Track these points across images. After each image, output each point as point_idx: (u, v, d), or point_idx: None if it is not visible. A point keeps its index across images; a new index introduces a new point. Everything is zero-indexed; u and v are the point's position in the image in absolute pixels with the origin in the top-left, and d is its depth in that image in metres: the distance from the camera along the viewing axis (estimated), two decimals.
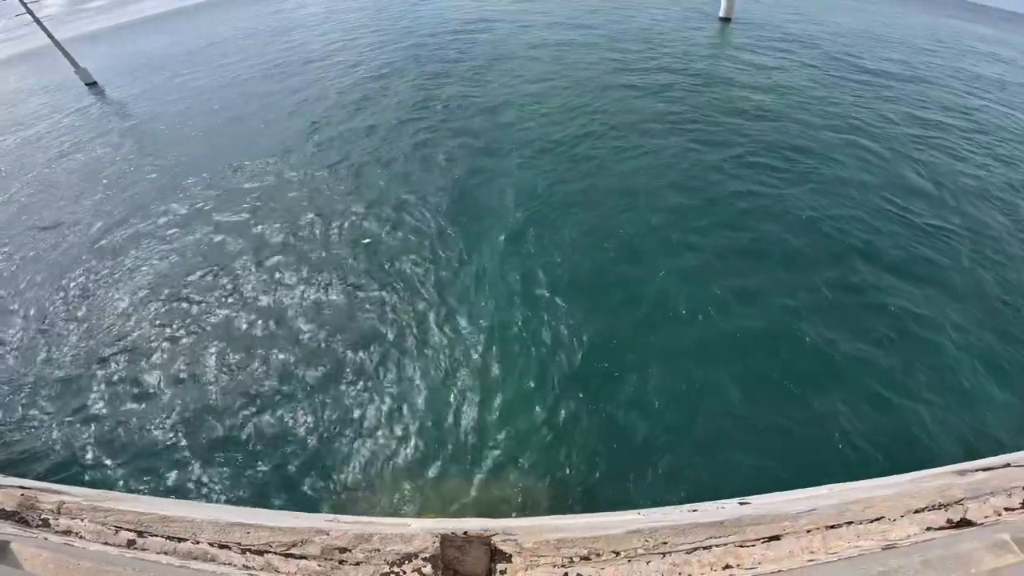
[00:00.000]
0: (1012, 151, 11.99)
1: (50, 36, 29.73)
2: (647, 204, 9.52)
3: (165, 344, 7.80)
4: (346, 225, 9.85)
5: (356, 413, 6.36)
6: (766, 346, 6.71)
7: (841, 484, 2.49)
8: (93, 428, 6.67)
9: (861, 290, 7.54)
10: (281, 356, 7.28)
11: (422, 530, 1.75)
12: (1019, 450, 2.61)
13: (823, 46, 21.70)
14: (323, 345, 7.37)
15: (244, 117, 17.19)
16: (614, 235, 8.81)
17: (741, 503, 2.26)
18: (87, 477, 6.04)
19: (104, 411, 6.89)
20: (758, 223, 8.84)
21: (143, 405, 6.89)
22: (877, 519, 1.97)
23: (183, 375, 7.26)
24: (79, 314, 8.65)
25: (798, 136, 12.13)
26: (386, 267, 8.63)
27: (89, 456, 6.33)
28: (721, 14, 26.88)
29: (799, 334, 6.82)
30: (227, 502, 5.48)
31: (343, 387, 6.72)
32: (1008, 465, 2.49)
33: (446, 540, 1.71)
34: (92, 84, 29.75)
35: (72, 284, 9.46)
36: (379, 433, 6.09)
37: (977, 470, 2.46)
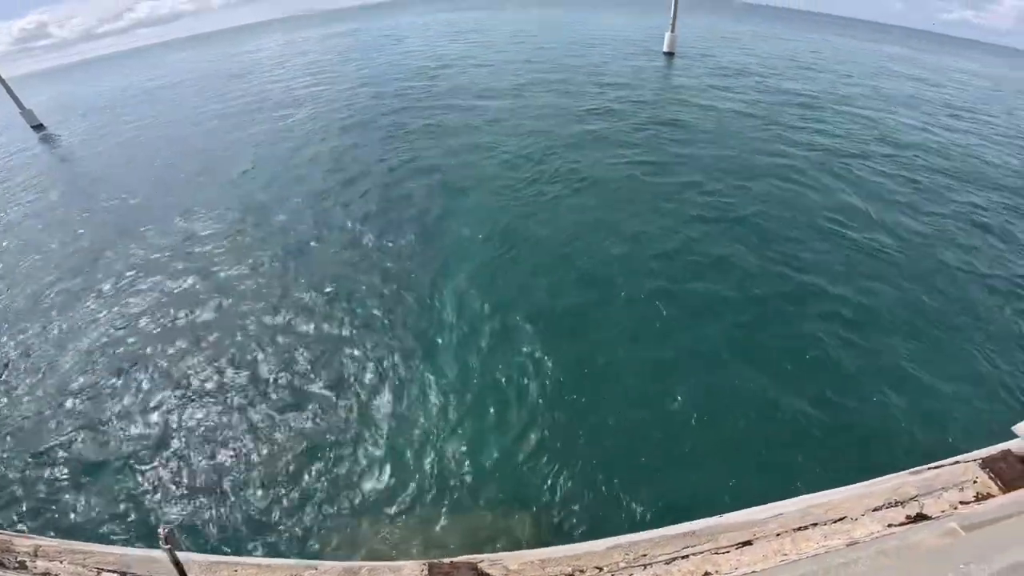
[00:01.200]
0: (928, 178, 12.95)
1: None
2: (605, 240, 9.79)
3: (124, 400, 7.46)
4: (306, 273, 9.68)
5: (330, 461, 6.20)
6: (726, 374, 6.91)
7: (807, 496, 2.63)
8: (55, 486, 6.27)
9: (803, 302, 7.90)
10: (249, 406, 7.07)
11: (410, 561, 1.77)
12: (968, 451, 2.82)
13: (756, 75, 23.40)
14: (293, 393, 7.20)
15: (195, 165, 16.69)
16: (576, 267, 9.02)
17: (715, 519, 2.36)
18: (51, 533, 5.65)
19: (66, 468, 6.50)
20: (707, 259, 9.12)
21: (107, 461, 6.54)
22: (840, 519, 2.09)
23: (146, 431, 6.94)
24: (18, 379, 8.19)
25: (741, 169, 12.78)
26: (350, 312, 8.51)
27: (54, 511, 5.92)
28: (665, 49, 28.63)
29: (755, 364, 7.06)
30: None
31: (314, 435, 6.54)
32: (957, 463, 2.68)
33: (434, 568, 1.74)
34: (39, 127, 28.78)
35: (15, 343, 8.95)
36: (357, 480, 5.95)
37: (929, 469, 2.64)
